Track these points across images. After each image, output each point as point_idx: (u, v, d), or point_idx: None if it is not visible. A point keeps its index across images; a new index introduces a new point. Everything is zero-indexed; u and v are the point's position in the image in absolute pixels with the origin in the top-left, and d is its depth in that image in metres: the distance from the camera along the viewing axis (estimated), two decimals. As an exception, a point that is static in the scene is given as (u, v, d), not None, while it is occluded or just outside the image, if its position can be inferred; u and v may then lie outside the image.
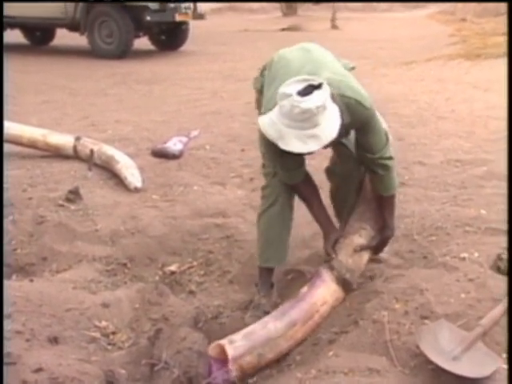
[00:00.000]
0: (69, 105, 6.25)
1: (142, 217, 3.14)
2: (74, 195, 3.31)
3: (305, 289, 2.31)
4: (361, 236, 2.46)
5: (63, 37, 11.70)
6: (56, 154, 4.09)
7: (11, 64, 8.42)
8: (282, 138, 2.08)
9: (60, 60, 10.09)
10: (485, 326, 1.95)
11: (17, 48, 10.96)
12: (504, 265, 2.39)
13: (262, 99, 2.43)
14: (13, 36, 11.29)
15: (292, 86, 2.06)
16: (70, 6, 9.98)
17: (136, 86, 7.54)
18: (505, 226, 2.89)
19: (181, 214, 3.21)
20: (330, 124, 2.09)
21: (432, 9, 17.82)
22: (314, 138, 2.07)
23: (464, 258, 2.54)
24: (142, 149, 4.31)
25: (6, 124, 4.05)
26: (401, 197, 3.38)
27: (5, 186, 3.42)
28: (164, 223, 3.09)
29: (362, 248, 2.42)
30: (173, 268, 2.80)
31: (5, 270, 2.71)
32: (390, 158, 2.40)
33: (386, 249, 2.70)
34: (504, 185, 3.55)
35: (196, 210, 3.26)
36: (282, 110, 2.06)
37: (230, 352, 2.08)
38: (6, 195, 3.29)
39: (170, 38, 11.34)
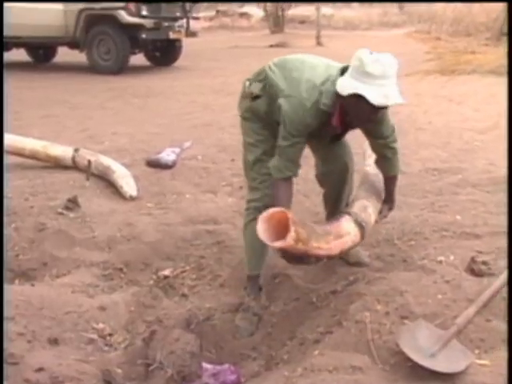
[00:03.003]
0: (68, 118, 6.22)
1: (137, 224, 3.13)
2: (72, 204, 3.30)
3: (329, 223, 2.39)
4: (369, 201, 2.57)
5: (64, 54, 11.70)
6: (56, 164, 4.07)
7: (15, 80, 8.41)
8: (387, 97, 2.14)
9: (61, 76, 10.07)
10: (459, 324, 1.96)
11: (21, 65, 10.96)
12: (477, 267, 2.41)
13: (262, 103, 2.43)
14: (17, 54, 11.30)
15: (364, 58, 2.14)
16: (71, 25, 10.01)
17: (132, 99, 7.52)
18: (478, 231, 2.91)
19: (174, 220, 3.20)
20: (398, 91, 2.18)
21: (409, 28, 17.96)
22: (389, 97, 2.15)
23: (441, 261, 2.55)
24: (138, 159, 4.29)
25: (10, 137, 4.04)
26: (381, 204, 3.40)
27: (8, 195, 3.42)
28: (158, 230, 3.08)
29: (370, 207, 2.53)
30: (166, 272, 2.79)
31: (8, 274, 2.70)
32: (396, 141, 2.52)
33: (367, 253, 2.72)
34: (477, 192, 3.59)
35: (188, 217, 3.25)
36: (371, 74, 2.12)
37: (290, 214, 2.01)
38: (9, 204, 3.28)
39: (164, 54, 11.35)
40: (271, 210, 2.07)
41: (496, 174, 3.90)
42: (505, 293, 2.19)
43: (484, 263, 2.43)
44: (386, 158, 2.55)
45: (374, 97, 2.12)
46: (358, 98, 2.13)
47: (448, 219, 3.09)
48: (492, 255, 2.58)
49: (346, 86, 2.17)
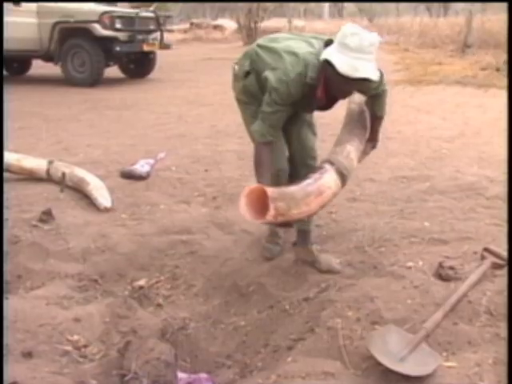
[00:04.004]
0: (43, 130, 6.15)
1: (111, 235, 3.10)
2: (47, 216, 3.26)
3: (311, 177, 2.38)
4: (351, 145, 2.60)
5: (39, 67, 11.60)
6: (30, 177, 4.02)
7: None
8: (356, 70, 2.20)
9: (35, 88, 9.97)
10: (428, 328, 2.00)
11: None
12: (445, 272, 2.44)
13: (253, 79, 2.55)
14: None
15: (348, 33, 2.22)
16: (45, 38, 9.95)
17: (106, 111, 7.47)
18: (445, 236, 2.95)
19: (148, 231, 3.18)
20: (373, 68, 2.26)
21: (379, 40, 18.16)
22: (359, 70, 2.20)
23: (410, 267, 2.58)
24: (112, 171, 4.26)
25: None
26: (352, 211, 3.44)
27: (-20, 208, 3.36)
28: (132, 241, 3.06)
29: (353, 152, 2.57)
30: (141, 283, 2.77)
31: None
32: (385, 84, 2.60)
33: (338, 260, 2.74)
34: (444, 199, 3.64)
35: (163, 228, 3.23)
36: (347, 46, 2.20)
37: (269, 191, 2.14)
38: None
39: (139, 66, 11.32)
40: (252, 186, 2.19)
41: (462, 181, 3.96)
42: (471, 297, 2.24)
43: (451, 268, 2.46)
44: (375, 99, 2.63)
45: (342, 65, 2.19)
46: (332, 68, 2.22)
47: (416, 226, 3.12)
48: (459, 260, 2.61)
49: (324, 53, 2.28)
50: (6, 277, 2.77)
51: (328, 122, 4.37)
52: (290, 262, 2.80)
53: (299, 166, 2.78)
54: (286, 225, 2.47)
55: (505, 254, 2.50)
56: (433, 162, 4.58)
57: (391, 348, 1.91)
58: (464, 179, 4.02)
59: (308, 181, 2.35)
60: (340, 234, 3.08)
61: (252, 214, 2.17)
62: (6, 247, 2.97)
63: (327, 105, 2.56)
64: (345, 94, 2.45)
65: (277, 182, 2.60)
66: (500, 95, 7.81)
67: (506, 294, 2.22)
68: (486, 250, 2.58)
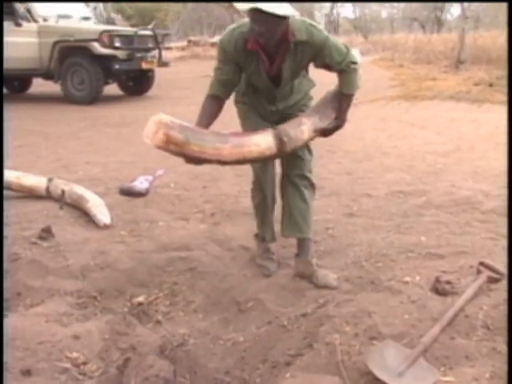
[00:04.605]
0: (42, 148, 6.16)
1: (110, 252, 3.10)
2: (46, 233, 3.26)
3: (236, 135, 2.49)
4: (309, 119, 2.62)
5: (39, 85, 11.65)
6: (30, 194, 4.02)
7: (-11, 111, 8.31)
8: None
9: (36, 106, 10.01)
10: (425, 343, 1.99)
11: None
12: (441, 286, 2.44)
13: None
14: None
15: None
16: (45, 57, 10.03)
17: (105, 129, 7.50)
18: (442, 251, 2.96)
19: (147, 248, 3.18)
20: (280, 7, 2.31)
21: (374, 56, 18.29)
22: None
23: (407, 282, 2.58)
24: (111, 188, 4.26)
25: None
26: (350, 227, 3.44)
27: (-19, 226, 3.36)
28: (131, 257, 3.06)
29: (306, 125, 2.59)
30: (140, 299, 2.76)
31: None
32: (355, 62, 2.57)
33: (336, 276, 2.74)
34: (441, 213, 3.65)
35: (161, 244, 3.23)
36: None
37: (162, 119, 2.30)
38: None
39: (137, 84, 11.39)
40: (160, 115, 2.33)
41: (458, 196, 3.98)
42: (467, 311, 2.23)
43: (448, 282, 2.46)
44: (342, 76, 2.62)
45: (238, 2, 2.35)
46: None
47: (413, 240, 3.13)
48: (455, 274, 2.62)
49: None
50: (6, 294, 2.77)
51: (322, 140, 4.38)
52: (288, 278, 2.80)
53: (287, 183, 2.86)
54: (197, 162, 2.45)
55: (500, 268, 2.50)
56: (428, 177, 4.60)
57: (389, 363, 1.91)
58: (459, 193, 4.04)
59: (234, 134, 2.49)
60: (337, 250, 3.08)
61: (153, 139, 2.31)
62: (5, 265, 2.97)
63: (278, 77, 2.63)
64: (260, 37, 2.44)
65: (262, 208, 2.96)
66: (493, 110, 7.87)
67: (502, 308, 2.22)
68: (481, 264, 2.58)
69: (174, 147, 2.31)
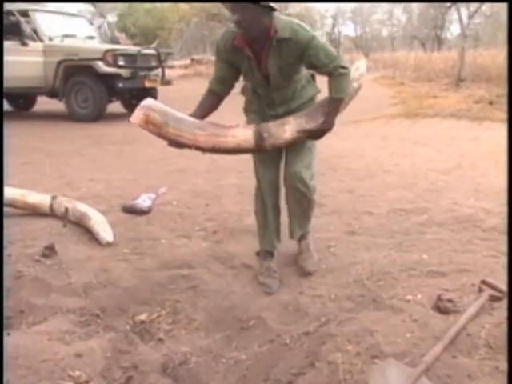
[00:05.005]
0: (46, 165, 6.19)
1: (113, 270, 3.10)
2: (49, 251, 3.26)
3: (216, 125, 2.68)
4: (294, 120, 2.73)
5: (44, 103, 11.74)
6: (34, 212, 4.03)
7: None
8: None
9: (40, 124, 10.08)
10: (427, 362, 1.98)
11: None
12: (443, 305, 2.43)
13: None
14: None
15: None
16: (50, 76, 10.13)
17: (109, 146, 7.53)
18: (444, 269, 2.95)
19: (150, 266, 3.18)
20: None
21: (375, 74, 18.41)
22: None
23: (409, 300, 2.57)
24: (114, 205, 4.27)
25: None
26: (351, 245, 3.43)
27: (-14, 244, 3.37)
28: (134, 275, 3.05)
29: (290, 124, 2.71)
30: (142, 317, 2.75)
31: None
32: (344, 67, 2.66)
33: (341, 294, 2.75)
34: (442, 231, 3.64)
35: (164, 262, 3.23)
36: None
37: (146, 102, 2.62)
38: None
39: (140, 102, 11.43)
40: (147, 99, 2.67)
41: (460, 213, 3.97)
42: (469, 330, 2.22)
43: (449, 301, 2.45)
44: (331, 79, 2.69)
45: None
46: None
47: (415, 258, 3.12)
48: (457, 293, 2.60)
49: None
50: (9, 312, 2.76)
51: (324, 158, 4.40)
52: (290, 296, 2.80)
53: (290, 189, 3.00)
54: (177, 145, 2.68)
55: (502, 286, 2.49)
56: (430, 195, 4.60)
57: (391, 382, 1.90)
58: (461, 211, 4.03)
59: (216, 125, 2.67)
60: (339, 268, 3.07)
61: (135, 118, 2.61)
62: (9, 282, 2.97)
63: (265, 70, 2.73)
64: (240, 27, 2.59)
65: (261, 215, 3.10)
66: (494, 128, 7.89)
67: (504, 326, 2.21)
68: (483, 282, 2.58)
69: (152, 127, 2.60)
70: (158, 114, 2.59)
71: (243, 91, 3.01)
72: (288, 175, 2.96)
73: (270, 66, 2.69)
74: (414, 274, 2.90)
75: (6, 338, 2.42)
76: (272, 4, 2.55)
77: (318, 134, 2.76)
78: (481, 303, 2.40)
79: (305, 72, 2.90)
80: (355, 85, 3.00)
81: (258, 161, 3.01)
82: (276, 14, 2.63)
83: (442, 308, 2.42)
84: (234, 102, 3.26)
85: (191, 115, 2.74)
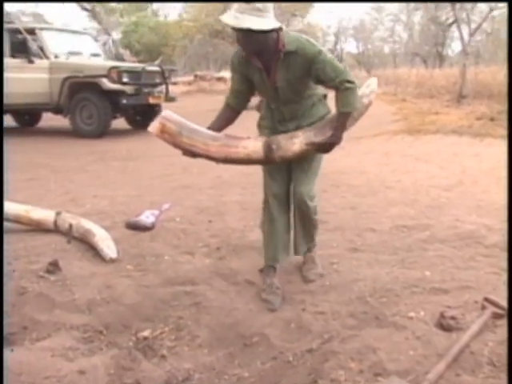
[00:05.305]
0: (51, 181, 6.21)
1: (116, 286, 3.09)
2: (53, 267, 3.27)
3: (229, 137, 2.80)
4: (303, 133, 2.81)
5: (49, 119, 11.81)
6: (38, 228, 4.04)
7: (1, 145, 8.40)
8: (236, 18, 2.56)
9: (45, 140, 10.15)
10: (431, 380, 1.98)
11: (6, 130, 10.99)
12: (446, 322, 2.43)
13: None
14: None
15: None
16: (56, 93, 10.22)
17: (113, 162, 7.56)
18: (446, 286, 2.94)
19: (153, 282, 3.17)
20: (261, 22, 2.56)
21: (377, 90, 18.47)
22: (247, 22, 2.54)
23: (411, 317, 2.56)
24: (118, 222, 4.28)
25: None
26: (354, 262, 3.43)
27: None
28: (137, 292, 3.05)
29: (299, 138, 2.79)
30: (146, 334, 2.74)
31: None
32: (351, 81, 2.71)
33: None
34: (445, 247, 3.63)
35: (167, 279, 3.22)
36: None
37: (164, 113, 2.78)
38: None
39: (144, 118, 11.52)
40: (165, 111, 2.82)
41: (462, 230, 3.97)
42: (473, 347, 2.21)
43: (452, 318, 2.45)
44: (338, 94, 2.74)
45: (225, 17, 2.59)
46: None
47: (417, 275, 3.12)
48: (460, 310, 2.60)
49: (225, 18, 2.63)
50: (12, 328, 2.76)
51: (326, 174, 4.41)
52: (293, 313, 2.79)
53: (294, 206, 3.09)
54: (191, 155, 2.80)
55: (504, 303, 2.49)
56: (432, 211, 4.60)
57: (394, 400, 1.89)
58: (463, 228, 4.03)
59: (229, 136, 2.80)
60: (342, 285, 3.06)
61: (152, 127, 2.75)
62: (13, 298, 2.97)
63: (274, 82, 2.81)
64: (247, 49, 2.72)
65: (267, 229, 3.13)
66: (495, 144, 7.89)
67: (507, 344, 2.20)
68: (486, 299, 2.57)
69: (167, 137, 2.74)
70: (173, 124, 2.73)
71: (258, 107, 3.12)
72: (293, 193, 3.05)
73: (278, 78, 2.79)
74: (416, 291, 2.90)
75: (6, 354, 2.42)
76: (278, 25, 2.63)
77: (326, 147, 2.81)
78: (484, 321, 2.39)
79: (317, 91, 2.98)
80: (365, 101, 3.04)
81: (266, 174, 3.09)
82: (285, 28, 2.74)
83: (445, 325, 2.42)
84: (248, 119, 3.30)
85: (208, 128, 2.86)
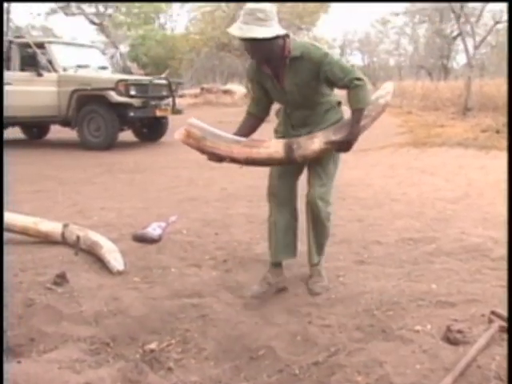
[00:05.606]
0: (59, 193, 6.24)
1: (123, 298, 3.10)
2: (61, 279, 3.27)
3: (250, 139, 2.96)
4: (322, 133, 2.91)
5: (57, 131, 11.88)
6: (46, 240, 4.06)
7: (10, 157, 8.44)
8: (240, 29, 2.69)
9: (53, 152, 10.20)
10: (438, 395, 1.95)
11: (16, 143, 11.09)
12: (453, 336, 2.41)
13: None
14: (11, 132, 11.49)
15: None
16: (64, 105, 10.28)
17: (120, 174, 7.58)
18: (453, 299, 2.93)
19: (160, 294, 3.17)
20: (265, 31, 2.67)
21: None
22: (251, 32, 2.67)
23: (418, 331, 2.55)
24: (125, 234, 4.29)
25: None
26: (360, 274, 3.42)
27: (-3, 271, 3.38)
28: (144, 304, 3.05)
29: (318, 137, 2.89)
30: (152, 346, 2.74)
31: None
32: (360, 79, 2.79)
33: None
34: (451, 260, 3.62)
35: (174, 291, 3.22)
36: (241, 14, 2.73)
37: (190, 120, 2.94)
38: (-3, 280, 3.24)
39: (151, 130, 11.58)
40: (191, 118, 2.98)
41: (468, 243, 3.96)
42: (480, 361, 2.20)
43: (459, 332, 2.43)
44: (349, 92, 2.83)
45: (231, 28, 2.72)
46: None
47: (424, 288, 3.11)
48: (467, 323, 2.58)
49: (232, 29, 2.77)
50: (19, 340, 2.76)
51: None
52: (299, 326, 2.78)
53: (308, 209, 3.14)
54: (216, 159, 2.92)
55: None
56: (438, 224, 4.59)
57: (401, 415, 1.87)
58: (469, 240, 4.02)
59: (252, 137, 2.97)
60: (348, 298, 3.05)
61: (178, 133, 2.93)
62: (20, 310, 2.98)
63: (289, 91, 2.93)
64: (255, 57, 2.86)
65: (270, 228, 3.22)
66: (501, 157, 7.87)
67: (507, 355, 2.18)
68: (492, 313, 2.55)
69: (192, 141, 2.89)
70: (197, 130, 2.89)
71: (277, 113, 3.22)
72: (306, 196, 3.13)
73: (286, 84, 2.90)
74: (422, 305, 2.88)
75: (16, 366, 2.42)
76: (282, 32, 2.76)
77: (344, 145, 2.89)
78: (491, 334, 2.38)
79: (330, 98, 3.05)
80: (382, 101, 3.11)
81: (273, 174, 3.18)
82: (292, 35, 2.86)
83: (452, 339, 2.40)
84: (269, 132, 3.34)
85: (233, 135, 2.98)
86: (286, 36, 2.81)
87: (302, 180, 3.23)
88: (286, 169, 3.10)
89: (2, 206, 3.98)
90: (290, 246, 3.25)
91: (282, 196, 3.15)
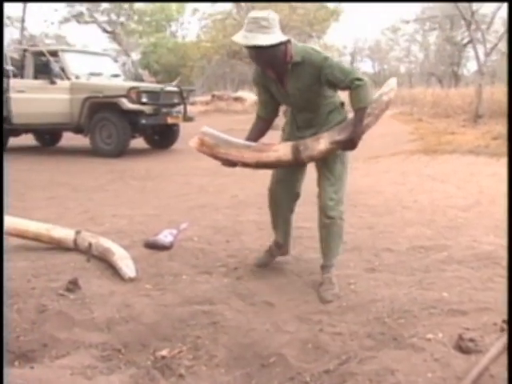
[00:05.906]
0: (71, 200, 6.28)
1: (135, 305, 3.10)
2: (73, 285, 3.29)
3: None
4: (328, 134, 3.00)
5: (69, 138, 11.96)
6: (58, 246, 4.08)
7: (23, 163, 8.56)
8: (245, 37, 2.79)
9: (65, 159, 10.27)
10: (450, 404, 1.94)
11: (29, 149, 11.18)
12: (465, 344, 2.40)
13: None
14: (25, 139, 11.59)
15: None
16: (76, 113, 10.37)
17: (131, 181, 7.62)
18: (464, 307, 2.91)
19: (171, 301, 3.18)
20: (268, 38, 2.77)
21: (393, 110, 18.49)
22: (255, 40, 2.77)
23: (430, 339, 2.53)
24: (136, 241, 4.30)
25: (14, 220, 4.07)
26: (372, 282, 3.41)
27: (11, 276, 3.40)
28: (156, 311, 3.06)
29: (324, 138, 2.97)
30: (164, 353, 2.74)
31: (8, 356, 2.65)
32: (360, 79, 2.87)
33: (361, 332, 2.73)
34: (462, 268, 3.60)
35: (185, 298, 3.23)
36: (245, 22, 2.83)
37: (203, 129, 3.09)
38: (11, 286, 3.26)
39: (163, 138, 11.64)
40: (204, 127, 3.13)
41: (479, 251, 3.93)
42: (492, 370, 2.18)
43: (471, 340, 2.42)
44: (350, 93, 2.91)
45: (235, 36, 2.82)
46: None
47: (435, 296, 3.09)
48: (479, 332, 2.57)
49: (236, 37, 2.87)
50: (32, 345, 2.78)
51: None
52: (311, 334, 2.77)
53: (319, 213, 3.26)
54: (229, 164, 3.08)
55: (525, 326, 2.45)
56: (449, 231, 4.56)
57: (413, 424, 1.87)
58: (481, 248, 3.99)
59: (262, 141, 3.11)
60: (359, 305, 3.05)
61: (192, 142, 3.09)
62: (33, 316, 2.99)
63: (293, 94, 3.04)
64: (259, 63, 2.97)
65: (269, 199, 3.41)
66: (513, 164, 7.83)
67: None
68: (505, 321, 2.54)
69: (206, 149, 3.05)
70: (209, 138, 3.05)
71: (285, 113, 3.36)
72: (318, 201, 3.23)
73: (289, 88, 2.99)
74: (434, 313, 2.87)
75: (28, 371, 2.44)
76: (284, 38, 2.85)
77: (349, 144, 2.96)
78: (503, 343, 2.36)
79: (334, 99, 3.13)
80: (385, 98, 3.13)
81: (276, 178, 3.35)
82: (293, 40, 2.95)
83: (464, 347, 2.39)
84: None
85: (245, 138, 3.12)
86: (288, 42, 2.91)
87: (313, 185, 3.25)
88: (286, 172, 3.27)
89: (2, 209, 4.02)
90: (289, 235, 3.60)
91: (284, 183, 3.32)
